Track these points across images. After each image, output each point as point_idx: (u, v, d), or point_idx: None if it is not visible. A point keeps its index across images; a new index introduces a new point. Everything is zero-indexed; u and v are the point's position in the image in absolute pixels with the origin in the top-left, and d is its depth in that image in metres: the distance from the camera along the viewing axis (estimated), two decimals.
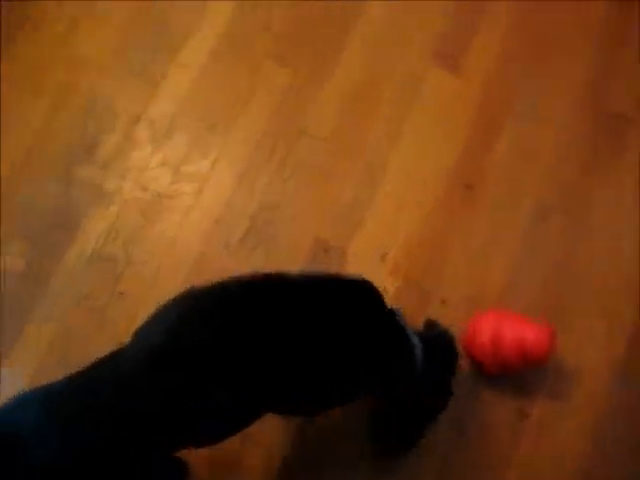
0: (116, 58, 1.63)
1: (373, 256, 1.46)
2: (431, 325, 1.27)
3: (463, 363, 1.31)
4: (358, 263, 1.46)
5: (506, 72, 1.59)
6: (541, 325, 1.26)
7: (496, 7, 1.64)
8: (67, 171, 1.55)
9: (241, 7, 1.65)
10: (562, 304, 1.42)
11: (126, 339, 1.42)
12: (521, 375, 1.33)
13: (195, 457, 1.22)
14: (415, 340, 1.08)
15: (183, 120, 1.59)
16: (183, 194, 1.53)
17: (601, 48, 1.59)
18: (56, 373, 1.40)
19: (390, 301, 1.40)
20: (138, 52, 1.63)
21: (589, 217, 1.47)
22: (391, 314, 1.08)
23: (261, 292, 0.98)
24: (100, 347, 1.41)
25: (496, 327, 1.27)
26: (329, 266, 1.46)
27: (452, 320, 1.39)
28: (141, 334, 0.99)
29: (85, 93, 1.61)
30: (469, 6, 1.64)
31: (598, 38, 1.61)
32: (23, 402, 0.95)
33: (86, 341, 1.44)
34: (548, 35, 1.62)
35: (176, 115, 1.59)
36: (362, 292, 1.07)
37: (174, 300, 0.99)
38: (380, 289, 1.42)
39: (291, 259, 1.48)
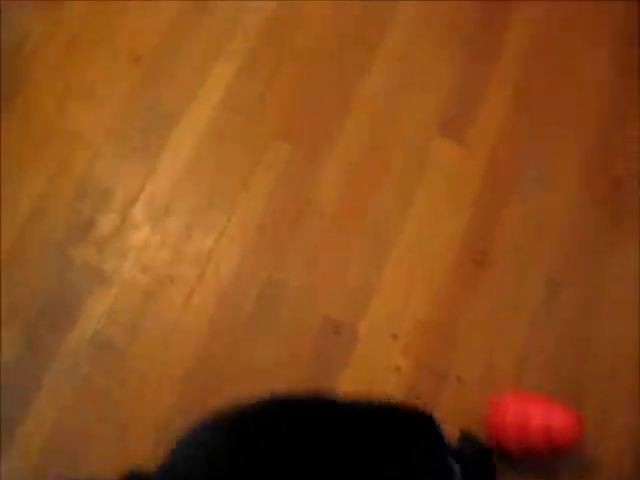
0: (110, 135, 1.59)
1: (385, 336, 1.43)
2: (466, 437, 1.23)
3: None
4: (370, 343, 1.42)
5: (511, 142, 1.59)
6: (567, 409, 1.25)
7: (502, 77, 1.65)
8: (63, 253, 1.50)
9: (235, 84, 1.63)
10: (579, 381, 1.40)
11: (130, 425, 1.40)
12: (544, 458, 1.31)
13: None
14: (456, 467, 1.05)
15: (182, 198, 1.55)
16: (185, 274, 1.49)
17: (606, 118, 1.61)
18: (59, 464, 1.36)
19: (405, 382, 1.42)
20: (132, 129, 1.60)
21: (601, 289, 1.46)
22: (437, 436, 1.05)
23: (306, 414, 0.95)
24: (103, 435, 1.38)
25: (521, 411, 1.25)
26: (340, 346, 1.43)
27: (470, 400, 1.37)
28: (175, 459, 0.94)
29: (79, 172, 1.56)
30: (475, 77, 1.65)
31: (603, 108, 1.63)
32: None
33: (89, 428, 1.38)
34: (553, 106, 1.63)
35: (175, 193, 1.55)
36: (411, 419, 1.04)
37: (211, 426, 0.95)
38: (394, 370, 1.42)
39: (300, 338, 1.44)
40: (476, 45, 1.68)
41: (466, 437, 1.22)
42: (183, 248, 1.51)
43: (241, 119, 1.60)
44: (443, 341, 1.44)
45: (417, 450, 1.08)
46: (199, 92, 1.62)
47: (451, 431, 1.25)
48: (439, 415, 1.29)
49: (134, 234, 1.52)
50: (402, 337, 1.43)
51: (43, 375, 1.40)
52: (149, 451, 1.32)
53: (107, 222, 1.53)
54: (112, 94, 1.62)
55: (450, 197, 1.54)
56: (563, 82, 1.66)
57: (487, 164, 1.56)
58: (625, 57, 1.68)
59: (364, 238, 1.51)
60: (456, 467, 1.06)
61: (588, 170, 1.57)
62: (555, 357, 1.42)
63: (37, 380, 1.40)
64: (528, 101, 1.63)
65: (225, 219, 1.53)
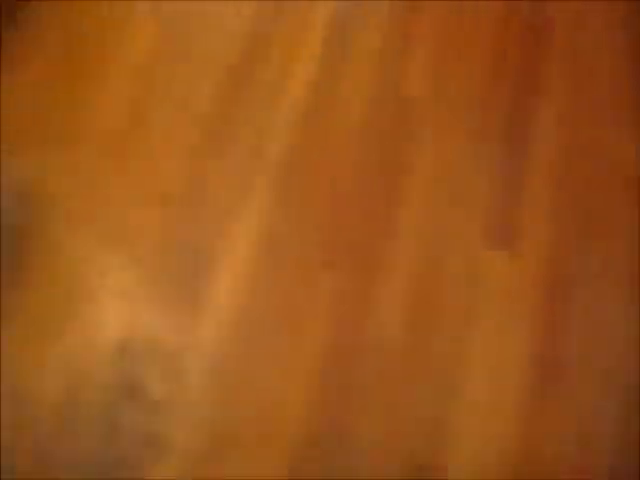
0: (144, 282, 1.50)
1: (472, 471, 1.36)
2: None
3: None
4: None
5: (560, 246, 1.57)
6: None
7: (540, 176, 1.64)
8: (110, 420, 1.38)
9: (268, 216, 1.57)
10: None
11: None
12: None
13: None
14: None
15: (232, 344, 1.45)
16: (246, 432, 1.39)
17: None
18: None
19: None
20: (167, 273, 1.51)
21: None
22: None
23: None
24: None
25: None
26: None
27: None
28: None
29: (117, 325, 1.46)
30: (512, 179, 1.64)
31: None
32: None
33: None
34: (594, 202, 1.63)
35: (223, 339, 1.46)
36: None
37: None
38: None
39: None
40: (509, 146, 1.68)
41: None
42: (241, 402, 1.41)
43: (281, 252, 1.54)
44: (534, 469, 1.37)
45: None
46: (233, 226, 1.55)
47: None
48: None
49: (186, 390, 1.41)
50: (489, 470, 1.36)
51: None
52: None
53: (155, 380, 1.42)
54: (141, 237, 1.54)
55: (512, 314, 1.50)
56: (598, 176, 1.66)
57: (541, 272, 1.53)
58: None
59: (431, 370, 1.44)
60: None
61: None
62: None
63: None
64: (569, 199, 1.63)
65: (280, 365, 1.44)
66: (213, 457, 1.36)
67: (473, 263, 1.53)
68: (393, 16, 1.79)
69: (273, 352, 1.45)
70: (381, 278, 1.51)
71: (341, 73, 1.72)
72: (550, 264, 1.54)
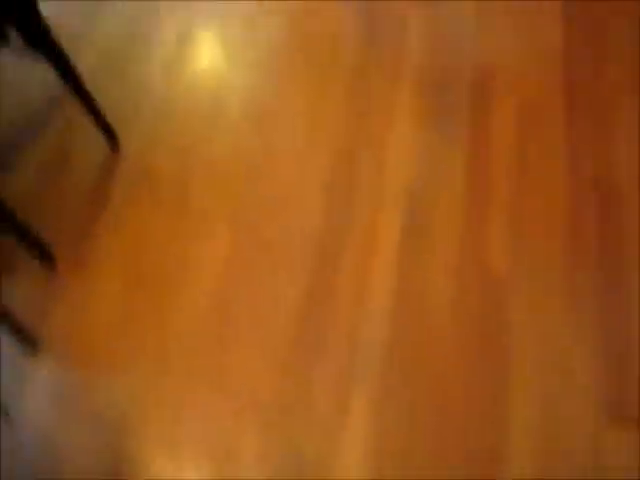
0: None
1: None
2: None
3: None
4: None
5: None
6: None
7: None
8: None
9: (377, 415, 1.50)
10: None
11: None
12: None
13: None
14: None
15: None
16: None
17: None
18: None
19: None
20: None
21: None
22: None
23: None
24: None
25: None
26: None
27: None
28: None
29: None
30: (622, 346, 1.56)
31: None
32: None
33: None
34: None
35: None
36: None
37: None
38: None
39: None
40: (608, 309, 1.60)
41: None
42: None
43: (392, 459, 1.47)
44: None
45: None
46: (338, 433, 1.48)
47: None
48: None
49: None
50: None
51: None
52: None
53: None
54: (241, 452, 1.47)
55: None
56: None
57: None
58: None
59: None
60: None
61: None
62: None
63: None
64: None
65: None
66: None
67: (599, 449, 1.45)
68: (465, 193, 1.78)
69: None
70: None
71: (422, 254, 1.69)
72: None
